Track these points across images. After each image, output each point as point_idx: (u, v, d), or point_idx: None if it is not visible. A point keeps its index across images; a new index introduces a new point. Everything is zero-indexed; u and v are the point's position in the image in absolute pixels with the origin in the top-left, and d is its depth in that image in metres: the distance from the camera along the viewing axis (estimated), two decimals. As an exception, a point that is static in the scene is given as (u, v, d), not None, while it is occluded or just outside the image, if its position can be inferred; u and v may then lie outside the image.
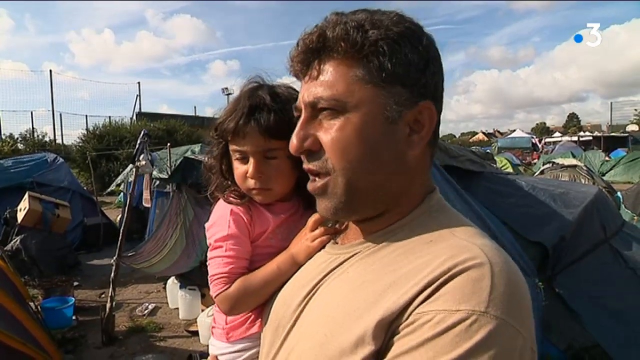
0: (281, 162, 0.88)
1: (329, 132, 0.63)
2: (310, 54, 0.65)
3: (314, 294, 0.69)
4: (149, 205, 5.47)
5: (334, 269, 0.70)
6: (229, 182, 0.94)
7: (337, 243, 0.77)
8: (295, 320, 0.70)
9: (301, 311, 0.70)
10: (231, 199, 0.92)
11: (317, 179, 0.67)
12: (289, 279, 0.80)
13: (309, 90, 0.65)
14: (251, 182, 0.89)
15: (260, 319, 0.89)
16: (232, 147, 0.91)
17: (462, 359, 0.49)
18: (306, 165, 0.67)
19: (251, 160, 0.88)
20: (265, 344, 0.78)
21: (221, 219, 0.91)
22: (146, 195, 4.75)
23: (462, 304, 0.51)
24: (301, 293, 0.72)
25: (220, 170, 0.95)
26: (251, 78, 0.93)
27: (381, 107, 0.62)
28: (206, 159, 1.00)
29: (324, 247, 0.78)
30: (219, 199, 0.95)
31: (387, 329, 0.55)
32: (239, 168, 0.91)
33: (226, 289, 0.87)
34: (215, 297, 0.89)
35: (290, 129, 0.79)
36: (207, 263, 0.93)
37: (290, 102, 0.87)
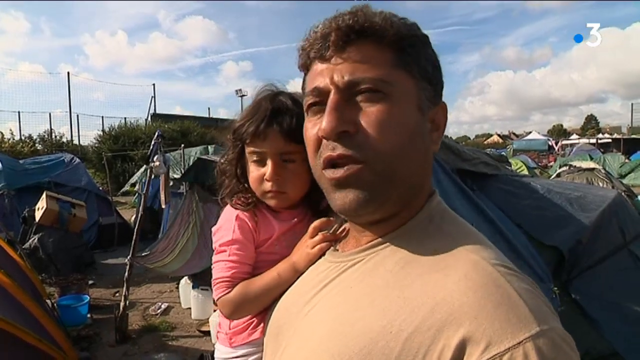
0: (298, 166, 0.89)
1: (371, 115, 0.59)
2: (352, 34, 0.61)
3: (314, 304, 0.68)
4: (164, 206, 5.55)
5: (335, 278, 0.68)
6: (244, 186, 0.95)
7: (337, 250, 0.75)
8: (297, 329, 0.68)
9: (302, 319, 0.68)
10: (238, 204, 0.93)
11: (345, 166, 0.60)
12: (290, 286, 0.79)
13: (341, 71, 0.61)
14: (267, 185, 0.90)
15: (262, 325, 0.89)
16: (250, 149, 0.91)
17: None
18: (336, 152, 0.60)
19: (269, 162, 0.89)
20: (267, 352, 0.77)
21: (227, 224, 0.93)
22: (162, 196, 4.83)
23: (512, 334, 0.48)
24: (301, 301, 0.71)
25: (235, 173, 0.95)
26: (265, 85, 0.95)
27: (416, 97, 0.63)
28: (220, 162, 1.00)
29: (324, 254, 0.77)
30: (227, 204, 0.97)
31: None
32: (255, 171, 0.91)
33: (227, 293, 0.88)
34: (217, 300, 0.91)
35: None
36: (212, 267, 0.94)
37: None
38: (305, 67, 0.67)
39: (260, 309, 0.87)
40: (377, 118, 0.59)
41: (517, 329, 0.49)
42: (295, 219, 0.94)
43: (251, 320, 0.92)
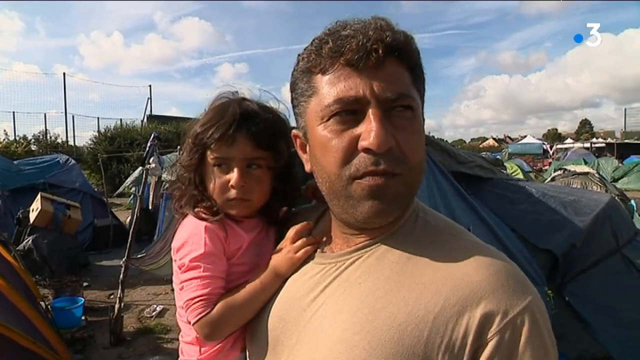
0: (263, 173, 0.87)
1: (406, 132, 0.63)
2: (393, 50, 0.63)
3: (317, 307, 0.68)
4: (154, 205, 5.53)
5: (335, 277, 0.69)
6: (203, 195, 0.88)
7: (324, 252, 0.75)
8: (300, 334, 0.68)
9: (306, 323, 0.68)
10: (203, 215, 0.86)
11: (381, 178, 0.62)
12: (273, 295, 0.78)
13: (381, 84, 0.61)
14: (232, 192, 0.85)
15: (238, 343, 0.85)
16: (213, 155, 0.86)
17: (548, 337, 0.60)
18: (381, 166, 0.61)
19: (235, 169, 0.85)
20: None
21: (195, 237, 0.85)
22: (151, 197, 4.82)
23: (520, 300, 0.59)
24: (298, 307, 0.70)
25: (193, 181, 0.89)
26: (222, 92, 0.91)
27: (421, 115, 0.68)
28: (177, 170, 0.93)
29: (312, 257, 0.76)
30: (186, 215, 0.90)
31: (439, 344, 0.58)
32: (217, 178, 0.86)
33: (207, 312, 0.81)
34: (194, 322, 0.82)
35: (276, 141, 0.82)
36: (180, 287, 0.86)
37: (276, 114, 0.88)
38: (320, 69, 0.65)
39: (243, 323, 0.82)
40: (412, 135, 0.64)
41: (523, 294, 0.59)
42: (257, 228, 0.91)
43: (225, 342, 0.86)
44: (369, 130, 0.60)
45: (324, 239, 0.78)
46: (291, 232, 0.81)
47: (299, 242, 0.78)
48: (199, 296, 0.82)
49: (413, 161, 0.63)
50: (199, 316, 0.81)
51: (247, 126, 0.83)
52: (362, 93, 0.61)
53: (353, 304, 0.64)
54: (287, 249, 0.79)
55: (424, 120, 0.72)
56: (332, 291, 0.68)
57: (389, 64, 0.62)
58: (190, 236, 0.86)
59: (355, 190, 0.63)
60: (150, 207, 5.28)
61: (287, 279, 0.78)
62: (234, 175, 0.84)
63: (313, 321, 0.67)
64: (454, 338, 0.57)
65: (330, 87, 0.64)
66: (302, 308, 0.70)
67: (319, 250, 0.77)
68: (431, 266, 0.63)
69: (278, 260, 0.80)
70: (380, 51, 0.61)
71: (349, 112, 0.63)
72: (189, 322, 0.84)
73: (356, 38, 0.62)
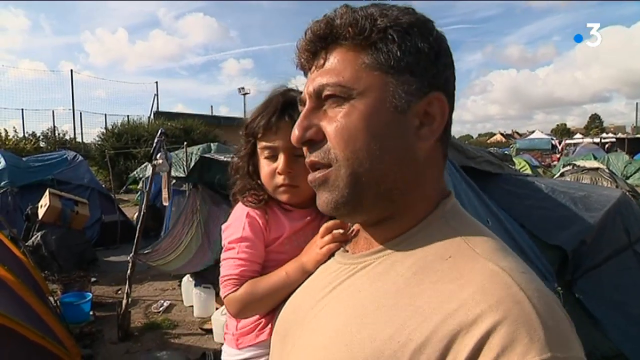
0: None
1: (333, 121, 0.60)
2: (318, 42, 0.62)
3: (323, 306, 0.65)
4: (166, 204, 5.57)
5: (344, 280, 0.65)
6: (256, 183, 0.95)
7: (347, 251, 0.73)
8: (302, 332, 0.66)
9: (309, 322, 0.66)
10: (249, 202, 0.93)
11: (317, 170, 0.63)
12: (298, 286, 0.78)
13: (314, 80, 0.62)
14: (280, 179, 0.91)
15: (270, 326, 0.88)
16: (262, 144, 0.93)
17: None
18: (307, 159, 0.63)
19: (281, 156, 0.90)
20: (273, 353, 0.74)
21: (237, 221, 0.93)
22: (164, 194, 4.85)
23: (524, 355, 0.45)
24: (309, 302, 0.68)
25: (247, 170, 0.96)
26: (280, 85, 0.97)
27: (389, 94, 0.59)
28: (233, 159, 1.01)
29: (334, 255, 0.75)
30: (238, 201, 0.97)
31: None
32: (267, 166, 0.92)
33: (234, 291, 0.87)
34: (223, 298, 0.90)
35: None
36: (220, 264, 0.93)
37: None
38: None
39: (267, 309, 0.85)
40: (338, 124, 0.60)
41: (526, 349, 0.46)
42: (308, 218, 0.93)
43: (259, 321, 0.91)
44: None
45: (352, 236, 0.74)
46: (323, 227, 0.80)
47: (326, 238, 0.78)
48: (229, 275, 0.89)
49: (341, 151, 0.60)
50: (226, 293, 0.89)
51: (289, 114, 0.89)
52: (303, 94, 0.65)
53: (347, 313, 0.59)
54: (316, 244, 0.80)
55: (415, 96, 0.59)
56: (337, 294, 0.64)
57: (324, 55, 0.62)
58: (233, 220, 0.94)
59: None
60: (165, 203, 5.31)
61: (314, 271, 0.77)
62: (280, 162, 0.90)
63: (315, 321, 0.64)
64: None
65: None
66: (310, 306, 0.67)
67: (342, 248, 0.75)
68: (434, 288, 0.54)
69: (307, 253, 0.82)
70: (303, 48, 0.63)
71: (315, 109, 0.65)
72: None
73: (298, 43, 0.65)
